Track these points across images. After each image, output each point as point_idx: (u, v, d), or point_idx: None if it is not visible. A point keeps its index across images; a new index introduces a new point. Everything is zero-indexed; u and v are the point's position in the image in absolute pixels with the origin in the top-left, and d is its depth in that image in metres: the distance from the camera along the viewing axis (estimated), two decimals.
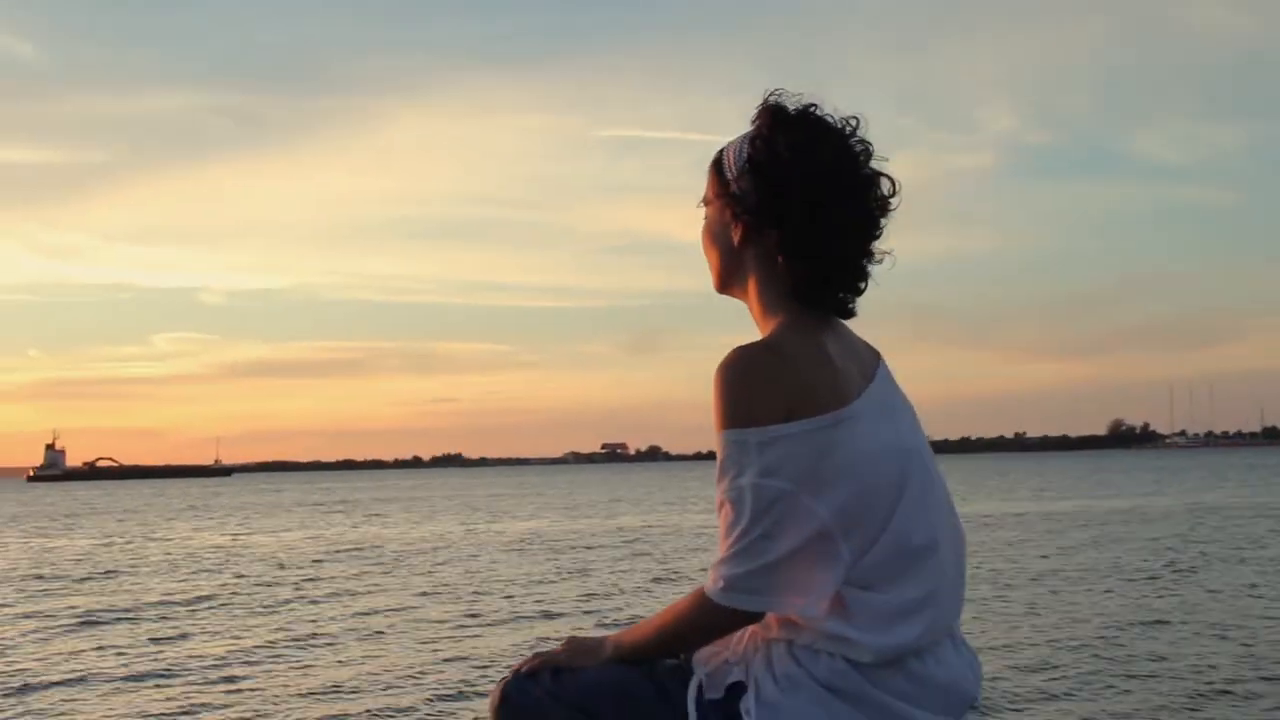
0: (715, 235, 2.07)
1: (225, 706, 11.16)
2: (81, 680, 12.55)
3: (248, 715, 10.74)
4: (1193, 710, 8.64)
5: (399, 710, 10.28)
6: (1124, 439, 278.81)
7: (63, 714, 10.94)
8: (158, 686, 12.12)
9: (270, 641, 15.25)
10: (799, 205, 1.94)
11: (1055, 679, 9.96)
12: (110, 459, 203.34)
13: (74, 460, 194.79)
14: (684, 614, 1.95)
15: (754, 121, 2.02)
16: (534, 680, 2.03)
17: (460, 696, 10.57)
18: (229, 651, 14.49)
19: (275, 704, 11.35)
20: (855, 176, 1.97)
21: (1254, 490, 46.59)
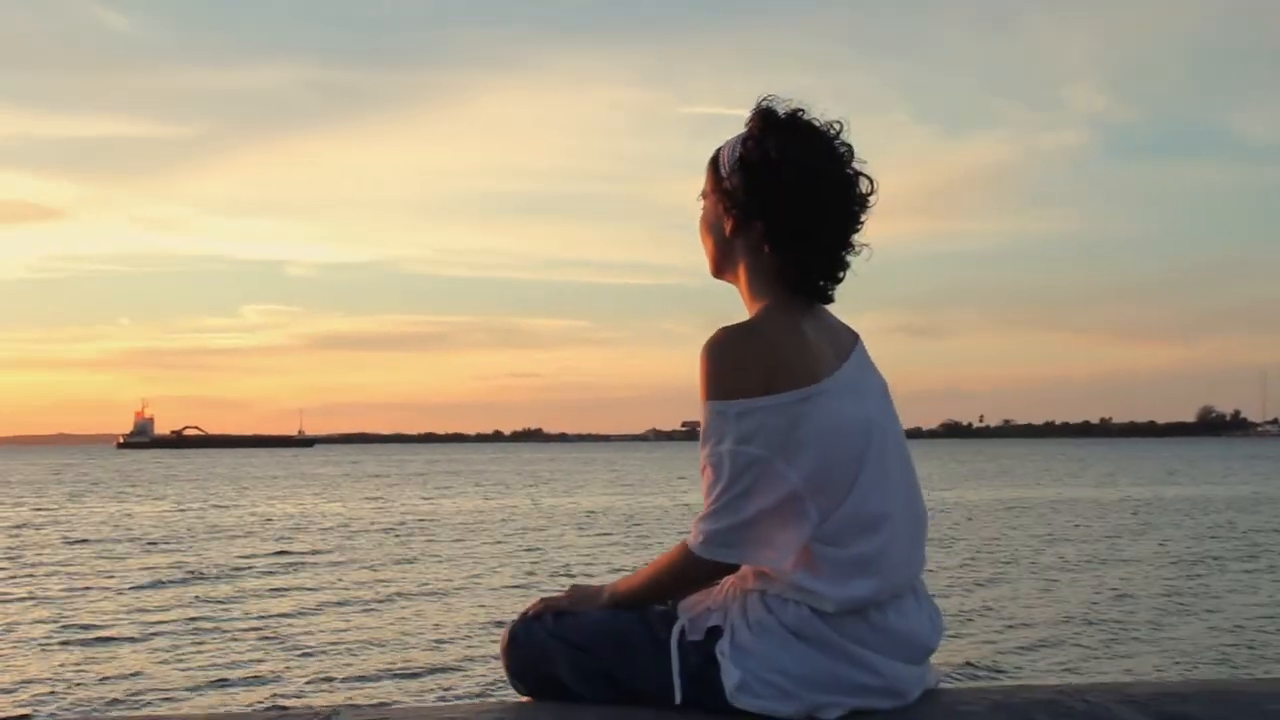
0: (710, 226, 2.29)
1: (285, 661, 11.66)
2: (146, 636, 13.14)
3: (308, 669, 11.23)
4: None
5: (440, 666, 10.80)
6: (1213, 426, 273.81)
7: (129, 668, 11.51)
8: (216, 643, 12.68)
9: (332, 600, 15.80)
10: (782, 201, 2.15)
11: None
12: (196, 428, 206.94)
13: (162, 428, 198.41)
14: (670, 565, 2.18)
15: (747, 124, 2.24)
16: (539, 623, 2.27)
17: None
18: (292, 609, 15.08)
19: (335, 656, 11.85)
20: (836, 176, 2.18)
21: None
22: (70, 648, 12.58)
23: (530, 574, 18.33)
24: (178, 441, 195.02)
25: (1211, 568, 18.53)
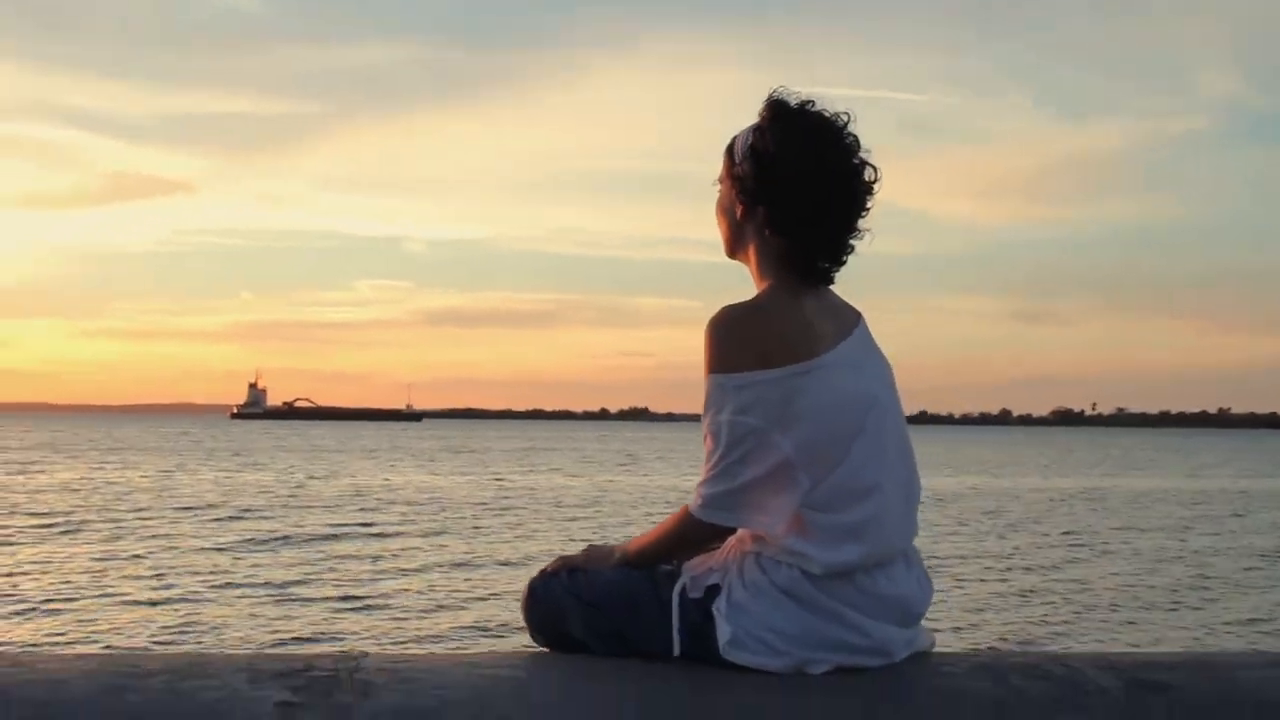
0: (724, 210, 2.43)
1: (363, 621, 12.28)
2: (233, 594, 14.01)
3: (350, 623, 11.87)
4: None
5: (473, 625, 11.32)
6: None
7: (217, 620, 12.30)
8: (300, 601, 13.41)
9: (414, 567, 16.38)
10: (785, 188, 2.28)
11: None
12: (307, 399, 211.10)
13: (275, 400, 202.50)
14: (673, 527, 2.33)
15: (759, 115, 2.37)
16: (555, 579, 2.43)
17: None
18: (369, 574, 15.70)
19: (378, 614, 12.46)
20: (839, 165, 2.30)
21: None
22: (149, 593, 13.65)
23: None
24: (289, 413, 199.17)
25: None
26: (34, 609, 13.34)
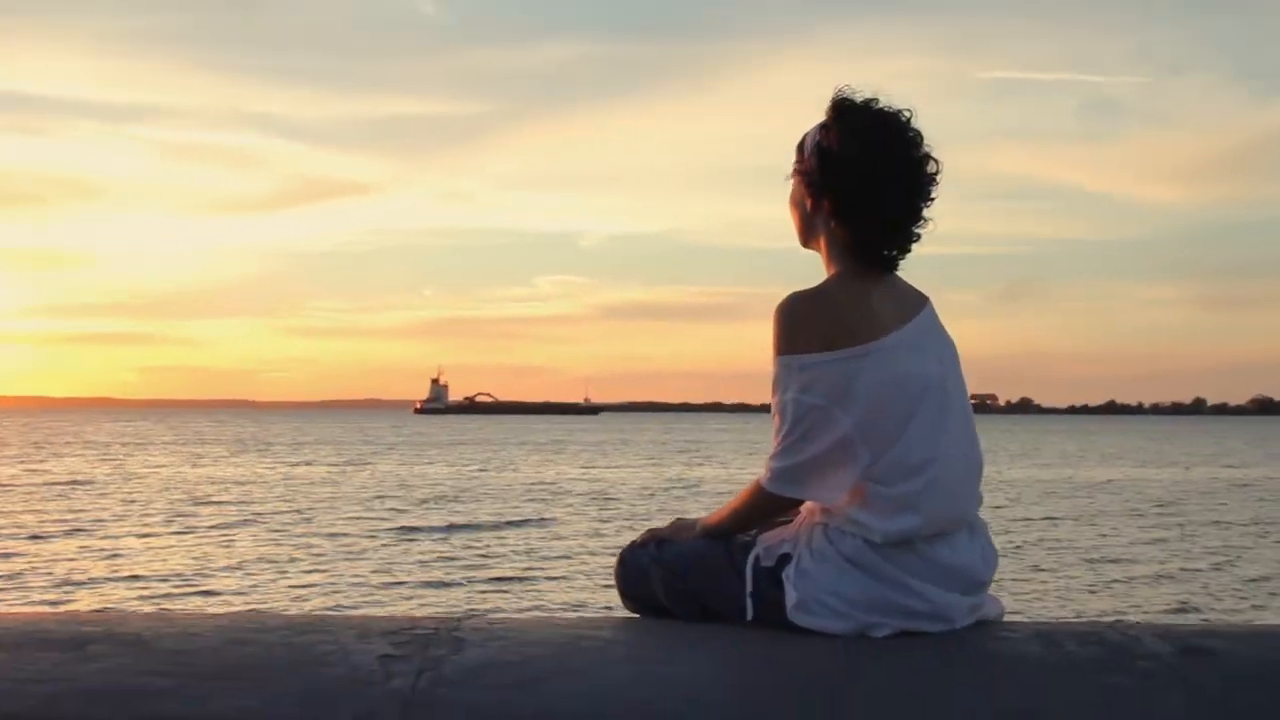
0: (796, 202, 2.59)
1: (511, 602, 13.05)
2: (386, 581, 15.07)
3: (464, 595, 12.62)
4: None
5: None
6: None
7: (365, 601, 13.28)
8: (450, 585, 14.35)
9: (561, 556, 17.06)
10: (848, 181, 2.44)
11: None
12: (488, 395, 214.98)
13: (456, 395, 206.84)
14: (746, 499, 2.50)
15: (826, 113, 2.52)
16: (643, 549, 2.63)
17: None
18: (525, 561, 16.44)
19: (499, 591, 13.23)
20: (901, 158, 2.44)
21: None
22: (315, 574, 14.84)
23: None
24: (470, 407, 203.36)
25: None
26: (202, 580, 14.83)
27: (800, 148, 2.56)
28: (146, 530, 20.82)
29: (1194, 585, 15.89)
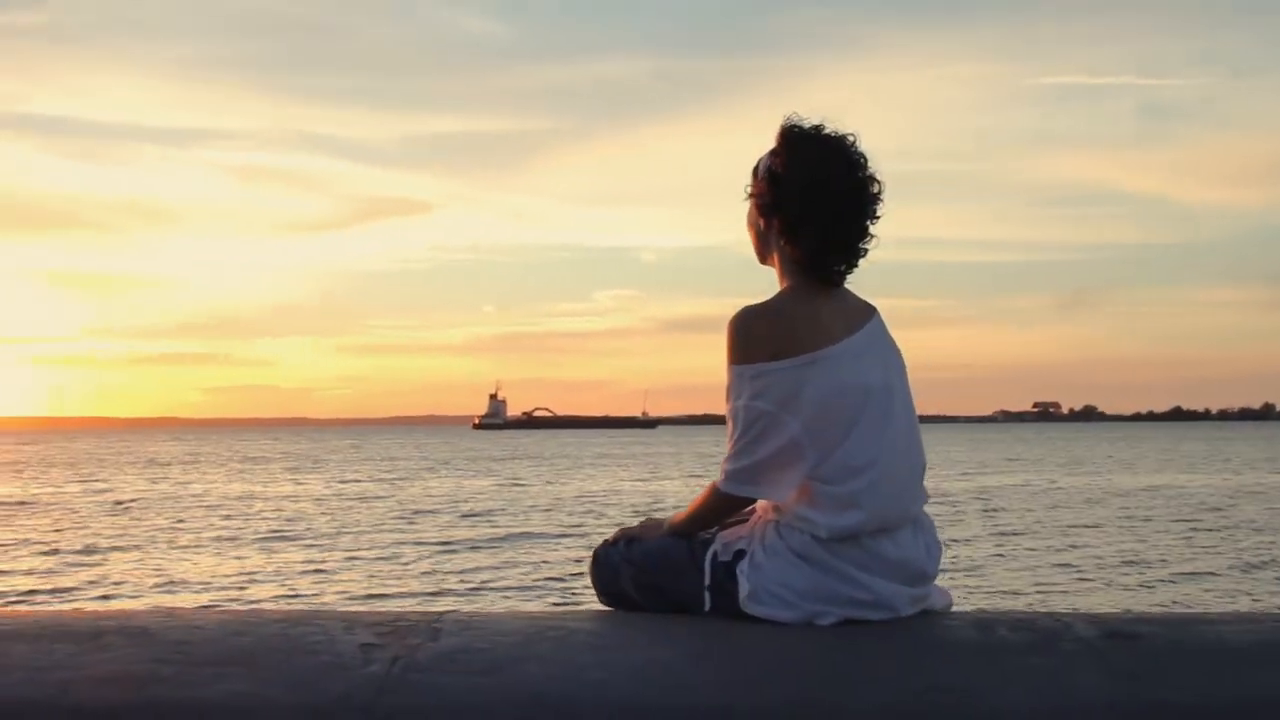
0: (751, 223, 2.80)
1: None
2: (425, 590, 15.56)
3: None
4: None
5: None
6: None
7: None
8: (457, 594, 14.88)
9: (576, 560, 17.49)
10: (793, 202, 2.63)
11: None
12: (546, 409, 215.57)
13: (515, 410, 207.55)
14: (704, 500, 2.70)
15: (776, 139, 2.71)
16: (614, 547, 2.83)
17: None
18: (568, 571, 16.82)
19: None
20: (843, 180, 2.63)
21: None
22: (357, 583, 15.38)
23: None
24: (528, 422, 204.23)
25: None
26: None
27: (754, 171, 2.76)
28: (190, 544, 21.64)
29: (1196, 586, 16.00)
